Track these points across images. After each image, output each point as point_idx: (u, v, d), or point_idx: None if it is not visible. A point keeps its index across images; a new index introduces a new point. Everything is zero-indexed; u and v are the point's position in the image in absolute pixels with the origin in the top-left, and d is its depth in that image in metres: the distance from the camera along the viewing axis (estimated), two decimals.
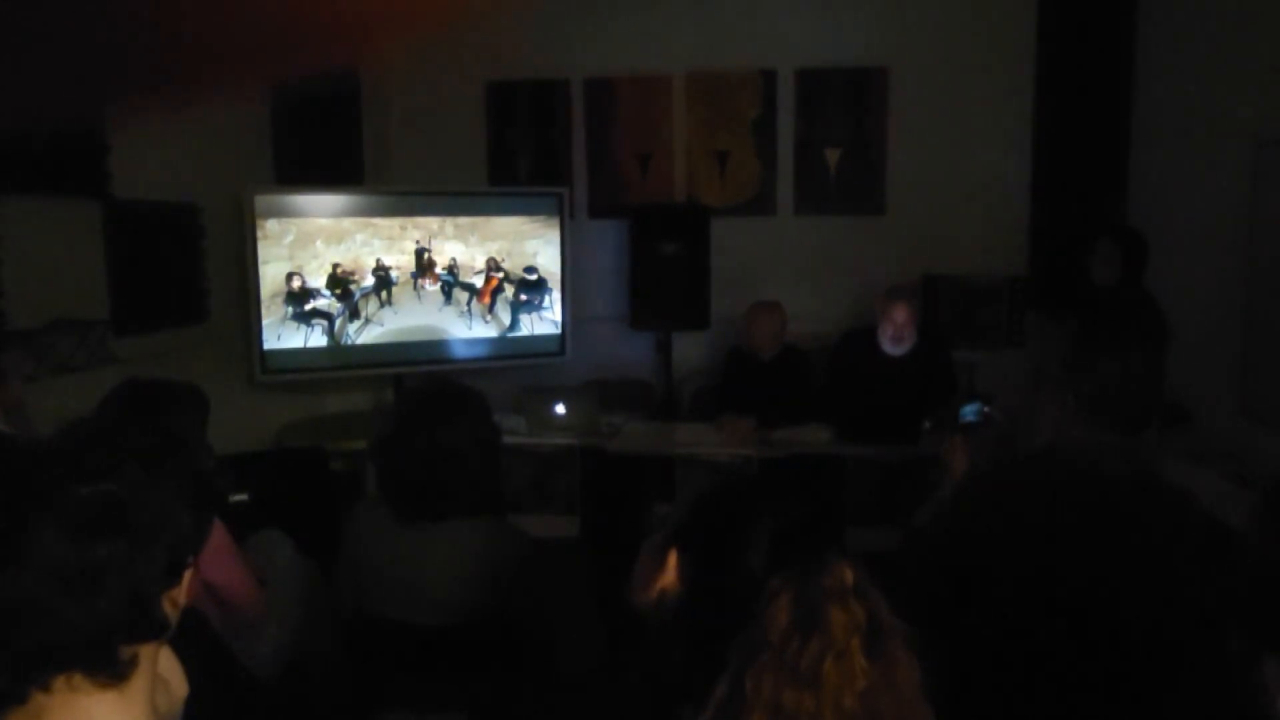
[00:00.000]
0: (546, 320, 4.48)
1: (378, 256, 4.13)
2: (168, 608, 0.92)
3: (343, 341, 4.11)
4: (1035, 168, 4.42)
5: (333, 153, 4.46)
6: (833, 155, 4.62)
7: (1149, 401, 1.66)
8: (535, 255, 4.43)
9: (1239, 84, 3.36)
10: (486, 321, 4.38)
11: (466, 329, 4.35)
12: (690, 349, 4.63)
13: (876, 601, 1.02)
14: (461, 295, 4.32)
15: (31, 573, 0.83)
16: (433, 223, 4.23)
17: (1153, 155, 4.06)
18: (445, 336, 4.31)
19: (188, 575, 0.95)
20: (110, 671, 0.87)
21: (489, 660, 1.84)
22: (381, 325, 4.18)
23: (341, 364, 4.15)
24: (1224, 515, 2.55)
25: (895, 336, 3.65)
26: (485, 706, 1.81)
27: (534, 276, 4.42)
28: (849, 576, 1.01)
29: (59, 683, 0.86)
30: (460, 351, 4.35)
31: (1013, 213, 4.45)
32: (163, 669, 0.96)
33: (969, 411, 2.30)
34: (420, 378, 3.97)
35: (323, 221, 4.02)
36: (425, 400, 1.95)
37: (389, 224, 4.15)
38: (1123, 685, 1.54)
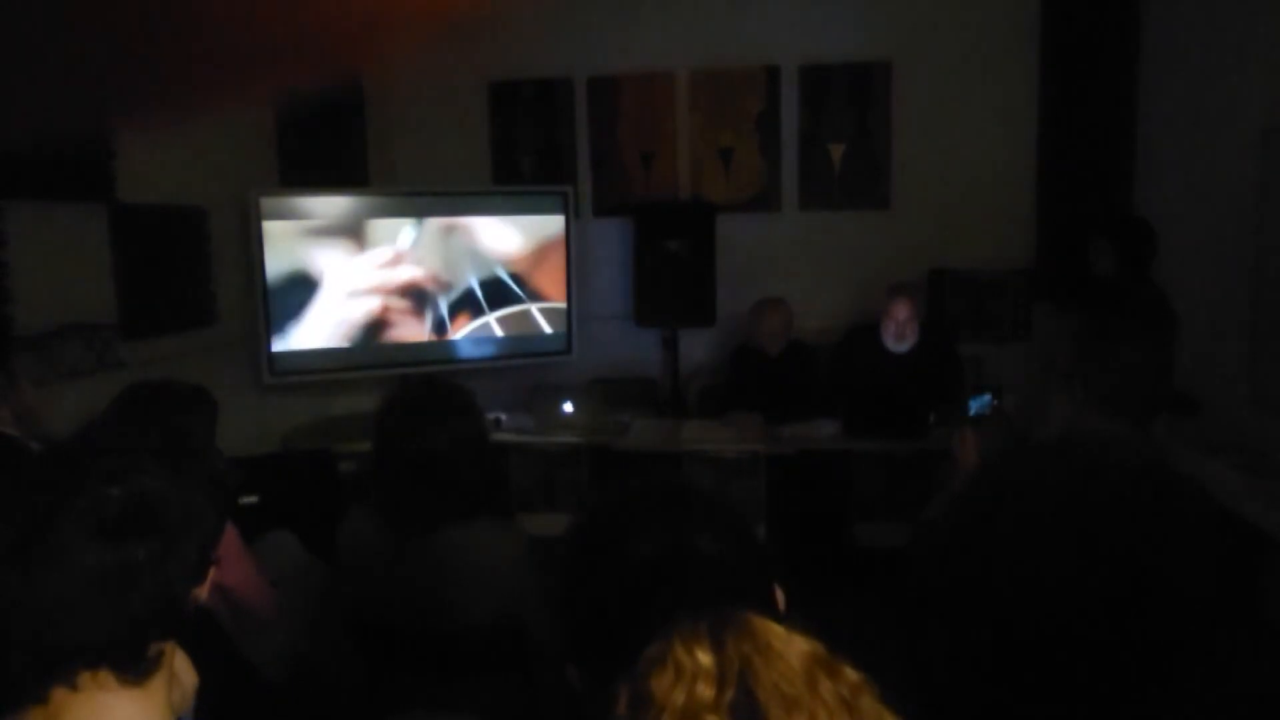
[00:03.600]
0: (549, 319, 4.49)
1: (383, 257, 4.14)
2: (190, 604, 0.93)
3: (349, 343, 4.12)
4: (1041, 159, 4.41)
5: (337, 154, 4.47)
6: (837, 150, 4.61)
7: (1158, 391, 1.65)
8: (540, 254, 4.44)
9: (1245, 71, 3.34)
10: (492, 321, 4.38)
11: (473, 328, 4.35)
12: (696, 346, 4.63)
13: (759, 669, 0.69)
14: (466, 294, 4.32)
15: (64, 574, 0.84)
16: (437, 223, 4.24)
17: (1159, 144, 4.04)
18: (451, 336, 4.32)
19: (211, 571, 0.96)
20: (138, 668, 0.88)
21: (494, 661, 1.84)
22: (387, 326, 4.19)
23: (349, 365, 4.15)
24: (1234, 505, 2.55)
25: (897, 334, 3.66)
26: (492, 707, 1.81)
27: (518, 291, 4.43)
28: (690, 657, 0.69)
29: (84, 679, 0.87)
30: (466, 351, 4.36)
31: (1019, 205, 4.44)
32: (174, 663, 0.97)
33: (979, 404, 2.29)
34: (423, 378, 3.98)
35: (327, 223, 4.03)
36: (402, 407, 1.88)
37: (393, 225, 4.16)
38: (1136, 678, 1.53)
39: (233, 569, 2.01)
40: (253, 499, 2.78)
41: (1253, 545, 2.43)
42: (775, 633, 0.72)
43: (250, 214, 3.84)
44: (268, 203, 3.88)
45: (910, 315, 3.65)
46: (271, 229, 3.88)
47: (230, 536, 2.02)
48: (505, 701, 1.84)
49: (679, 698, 0.67)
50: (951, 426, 2.24)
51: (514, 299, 4.40)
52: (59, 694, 0.86)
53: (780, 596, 0.89)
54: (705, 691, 0.67)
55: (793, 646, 0.71)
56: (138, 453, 0.92)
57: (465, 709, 1.81)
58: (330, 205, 4.05)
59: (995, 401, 2.39)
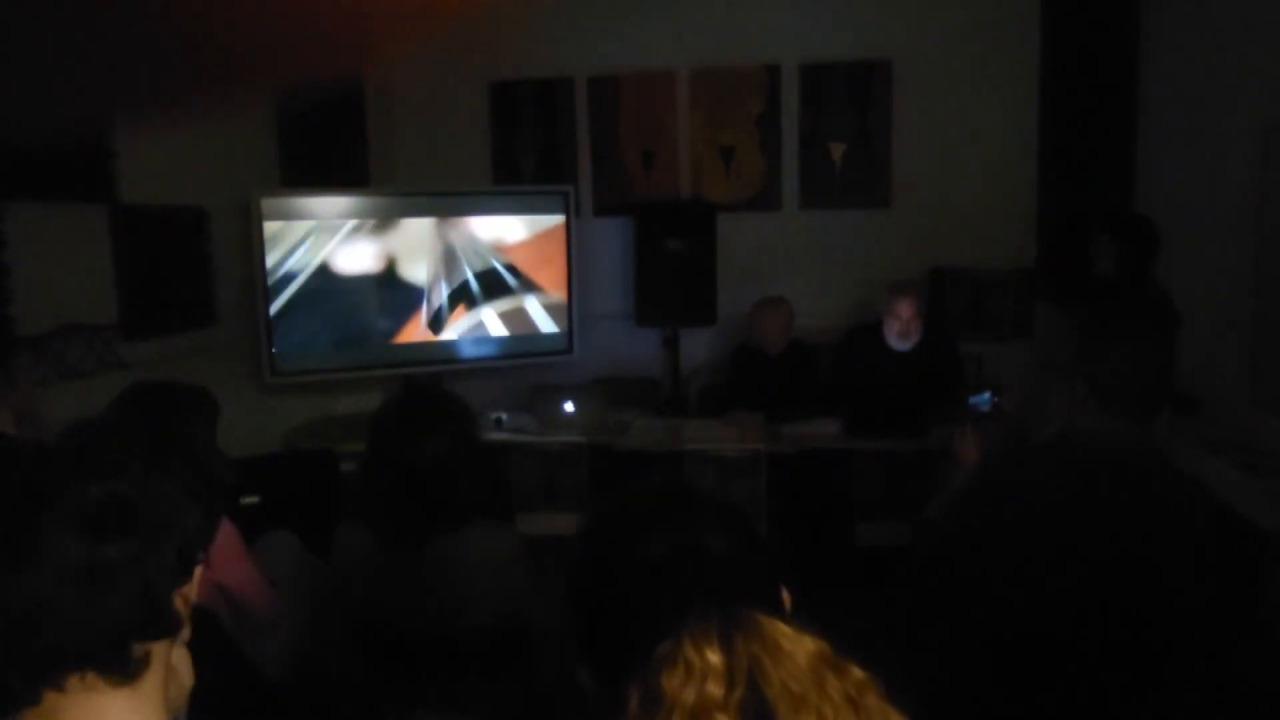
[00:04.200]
0: (548, 313, 4.49)
1: (384, 257, 4.14)
2: (179, 605, 0.92)
3: (350, 342, 4.12)
4: (1041, 157, 4.40)
5: (338, 155, 4.47)
6: (837, 149, 4.61)
7: (1159, 389, 1.65)
8: (538, 248, 4.43)
9: (1245, 68, 3.34)
10: (488, 315, 4.38)
11: (473, 328, 4.35)
12: (697, 345, 4.63)
13: (769, 667, 0.71)
14: (468, 294, 4.32)
15: (44, 573, 0.84)
16: (438, 223, 4.24)
17: (1159, 142, 4.04)
18: (452, 335, 4.32)
19: (197, 571, 0.95)
20: (123, 670, 0.88)
21: (496, 662, 1.84)
22: (389, 325, 4.19)
23: (351, 365, 4.15)
24: (1234, 503, 2.54)
25: (902, 332, 3.65)
26: (494, 707, 1.81)
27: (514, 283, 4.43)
28: (700, 656, 0.71)
29: (73, 682, 0.86)
30: (467, 350, 4.36)
31: (1019, 203, 4.44)
32: (172, 659, 0.96)
33: (979, 402, 2.29)
34: (425, 377, 3.98)
35: (329, 224, 4.03)
36: (390, 422, 1.86)
37: (394, 225, 4.16)
38: (1137, 676, 1.53)
39: (233, 569, 2.01)
40: (253, 499, 2.78)
41: (1253, 544, 2.43)
42: (783, 632, 0.73)
43: (251, 214, 3.84)
44: (268, 203, 3.88)
45: (914, 313, 3.65)
46: (272, 229, 3.88)
47: (230, 536, 2.03)
48: (506, 701, 1.84)
49: (689, 696, 0.69)
50: (952, 425, 2.24)
51: (510, 292, 4.39)
52: (51, 696, 0.86)
53: (786, 597, 0.89)
54: (715, 690, 0.69)
55: (801, 646, 0.72)
56: (121, 452, 0.91)
57: (467, 709, 1.80)
58: (331, 206, 4.05)
59: (996, 400, 2.39)
